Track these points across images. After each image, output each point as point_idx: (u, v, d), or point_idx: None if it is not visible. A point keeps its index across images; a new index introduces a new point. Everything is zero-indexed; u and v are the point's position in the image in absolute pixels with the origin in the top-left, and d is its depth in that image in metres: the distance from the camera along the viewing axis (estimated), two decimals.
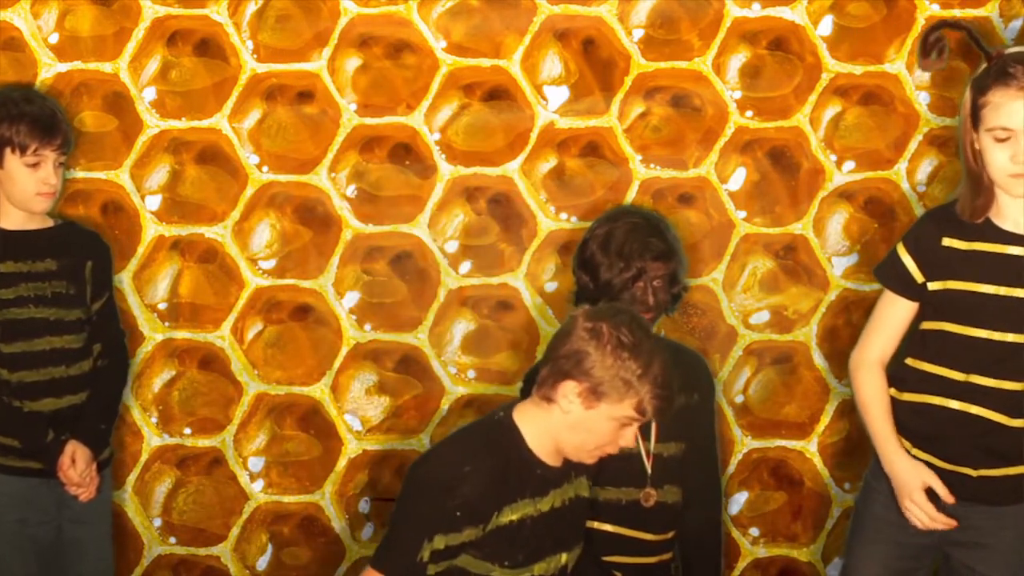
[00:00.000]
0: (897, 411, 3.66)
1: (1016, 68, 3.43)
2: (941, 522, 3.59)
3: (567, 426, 3.48)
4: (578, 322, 3.46)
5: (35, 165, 4.11)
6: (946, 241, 3.59)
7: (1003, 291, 3.51)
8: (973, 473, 3.58)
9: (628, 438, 3.50)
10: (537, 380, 3.52)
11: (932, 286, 3.60)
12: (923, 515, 3.60)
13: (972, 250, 3.55)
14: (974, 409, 3.55)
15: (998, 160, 3.47)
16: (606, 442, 3.49)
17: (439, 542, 3.46)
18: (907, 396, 3.64)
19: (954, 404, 3.57)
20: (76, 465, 4.11)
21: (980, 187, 3.55)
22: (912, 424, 3.63)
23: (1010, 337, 3.51)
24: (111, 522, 4.30)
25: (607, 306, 3.51)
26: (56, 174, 4.15)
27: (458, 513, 3.45)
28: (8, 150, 4.11)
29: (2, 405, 4.11)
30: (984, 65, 3.53)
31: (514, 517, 3.51)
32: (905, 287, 3.65)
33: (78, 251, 4.24)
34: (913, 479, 3.61)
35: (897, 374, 3.68)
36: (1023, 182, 3.47)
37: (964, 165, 3.58)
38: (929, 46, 3.58)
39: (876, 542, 3.71)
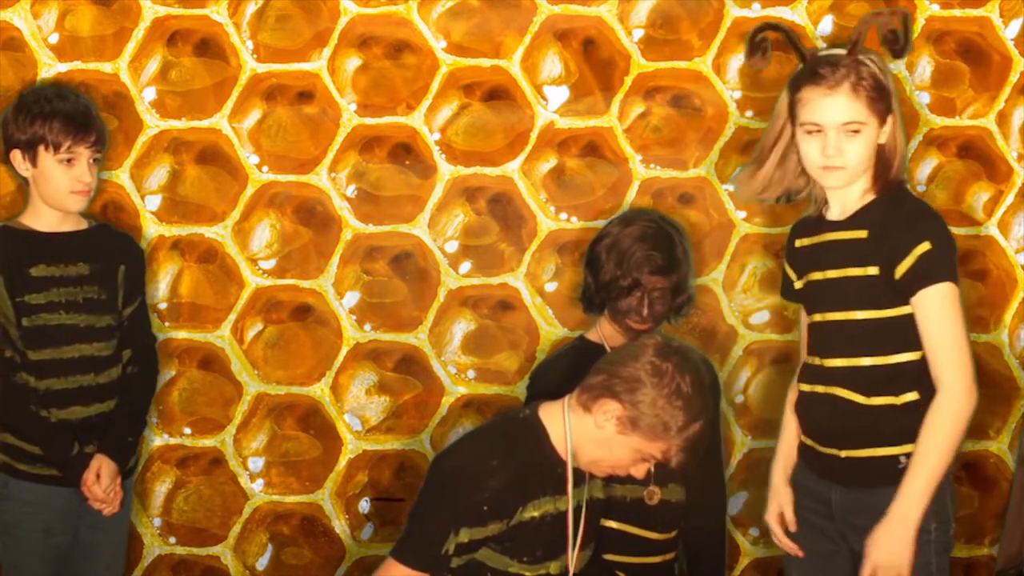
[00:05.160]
0: (797, 403, 3.83)
1: (825, 69, 3.62)
2: (787, 546, 3.81)
3: (593, 439, 3.53)
4: (647, 351, 3.52)
5: (69, 162, 4.06)
6: (797, 243, 3.83)
7: (830, 274, 3.70)
8: (840, 454, 3.68)
9: (641, 471, 3.56)
10: (583, 384, 3.55)
11: (797, 286, 3.82)
12: (775, 535, 3.84)
13: (814, 244, 3.76)
14: (831, 390, 3.68)
15: (811, 153, 3.66)
16: (620, 467, 3.56)
17: (464, 535, 3.49)
18: (799, 387, 3.81)
19: (819, 388, 3.71)
20: (101, 481, 4.07)
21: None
22: (800, 412, 3.80)
23: (842, 315, 3.67)
24: (127, 530, 4.29)
25: (680, 345, 3.57)
26: (91, 172, 4.09)
27: (485, 507, 3.48)
28: (42, 148, 4.06)
29: (28, 414, 4.05)
30: (800, 66, 3.70)
31: (536, 513, 3.55)
32: (790, 294, 3.89)
33: (111, 255, 4.19)
34: (774, 502, 3.84)
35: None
36: (831, 174, 3.65)
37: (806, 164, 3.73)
38: (755, 46, 3.79)
39: (801, 526, 3.81)
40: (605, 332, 4.03)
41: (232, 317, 4.54)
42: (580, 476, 3.62)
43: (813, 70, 3.63)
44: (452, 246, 4.59)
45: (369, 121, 4.52)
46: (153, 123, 4.51)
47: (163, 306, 4.60)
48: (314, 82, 4.51)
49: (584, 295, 4.07)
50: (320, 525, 4.62)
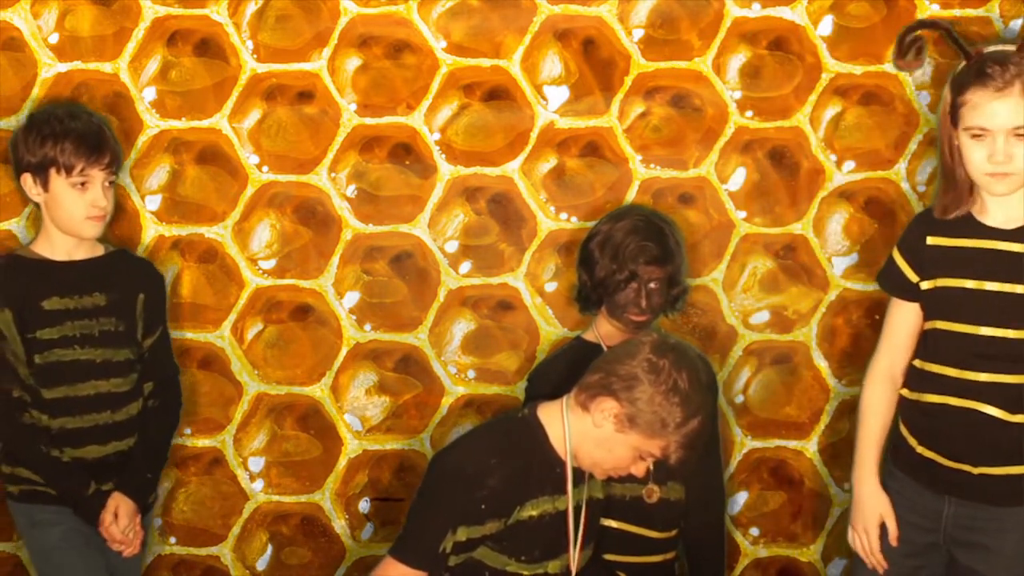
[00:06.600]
0: (906, 410, 3.71)
1: (993, 68, 3.47)
2: (876, 560, 3.67)
3: (593, 439, 3.53)
4: (644, 349, 3.51)
5: (83, 186, 3.88)
6: (931, 240, 3.66)
7: (988, 286, 3.55)
8: (973, 470, 3.59)
9: (641, 469, 3.56)
10: (580, 383, 3.55)
11: (924, 285, 3.65)
12: (865, 546, 3.68)
13: (957, 247, 3.61)
14: (971, 404, 3.57)
15: (975, 159, 3.52)
16: (621, 466, 3.56)
17: (462, 534, 3.50)
18: (913, 395, 3.68)
19: (953, 401, 3.61)
20: (119, 521, 3.92)
21: (951, 184, 3.62)
22: (917, 422, 3.68)
23: (997, 332, 3.55)
24: (142, 563, 4.24)
25: (677, 343, 3.56)
26: (106, 195, 3.91)
27: (483, 505, 3.49)
28: (53, 171, 3.87)
29: (40, 455, 3.89)
30: (963, 64, 3.57)
31: (534, 513, 3.55)
32: (903, 290, 3.71)
33: (129, 283, 4.02)
34: (871, 510, 3.69)
35: (908, 376, 3.71)
36: (1000, 181, 3.52)
37: (940, 162, 3.65)
38: (905, 46, 3.63)
39: (883, 538, 3.73)
40: (602, 331, 4.04)
41: (232, 317, 4.54)
42: (579, 476, 3.62)
43: (980, 69, 3.46)
44: (452, 246, 4.59)
45: (369, 121, 4.52)
46: (153, 123, 4.50)
47: None
48: (314, 82, 4.51)
49: (580, 294, 4.09)
50: (320, 525, 4.62)
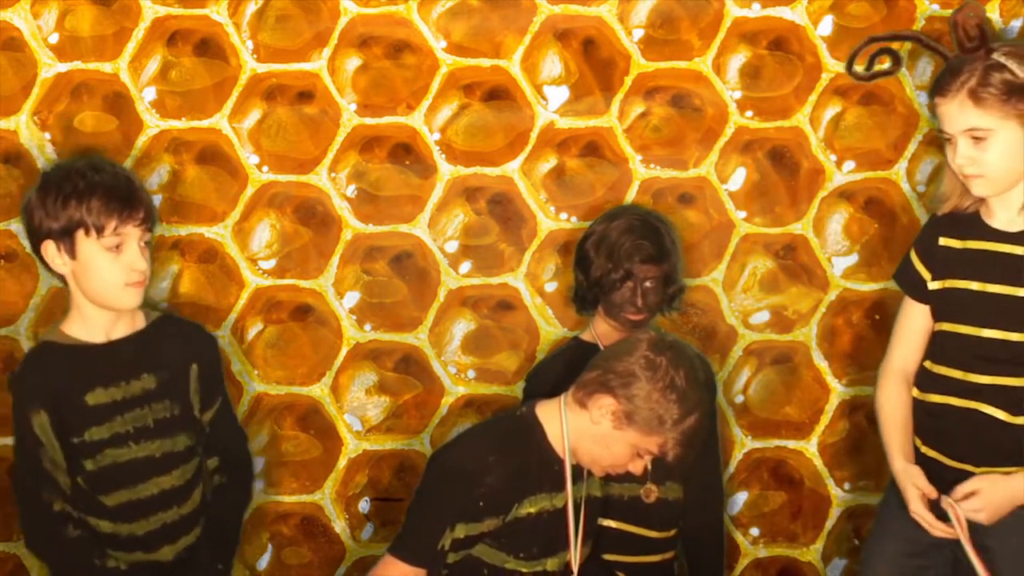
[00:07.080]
0: (915, 411, 3.71)
1: (946, 74, 3.55)
2: (940, 530, 3.64)
3: (591, 436, 3.55)
4: (641, 346, 3.54)
5: (117, 248, 3.39)
6: (942, 241, 3.70)
7: (992, 288, 3.57)
8: (975, 471, 3.62)
9: (639, 467, 3.58)
10: (578, 380, 3.57)
11: (932, 286, 3.68)
12: (925, 525, 3.67)
13: (966, 248, 3.65)
14: (973, 405, 3.59)
15: (949, 161, 3.61)
16: (619, 464, 3.58)
17: (460, 531, 3.51)
18: (920, 396, 3.71)
19: (956, 402, 3.63)
20: None
21: (945, 179, 3.71)
22: (922, 422, 3.72)
23: (999, 334, 3.57)
24: None
25: (674, 340, 3.58)
26: (143, 255, 3.43)
27: (482, 503, 3.51)
28: (81, 233, 3.36)
29: (93, 571, 3.42)
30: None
31: (532, 510, 3.57)
32: (916, 290, 3.75)
33: (179, 356, 3.56)
34: (909, 488, 3.68)
35: (917, 376, 3.73)
36: (972, 182, 3.57)
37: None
38: (872, 56, 3.72)
39: (886, 537, 3.76)
40: (599, 331, 4.05)
41: (232, 317, 4.54)
42: (578, 473, 3.63)
43: (940, 76, 3.55)
44: (452, 246, 4.59)
45: (369, 121, 4.52)
46: (153, 123, 4.50)
47: (163, 306, 4.60)
48: (314, 82, 4.51)
49: (576, 295, 4.10)
50: (320, 525, 4.62)
